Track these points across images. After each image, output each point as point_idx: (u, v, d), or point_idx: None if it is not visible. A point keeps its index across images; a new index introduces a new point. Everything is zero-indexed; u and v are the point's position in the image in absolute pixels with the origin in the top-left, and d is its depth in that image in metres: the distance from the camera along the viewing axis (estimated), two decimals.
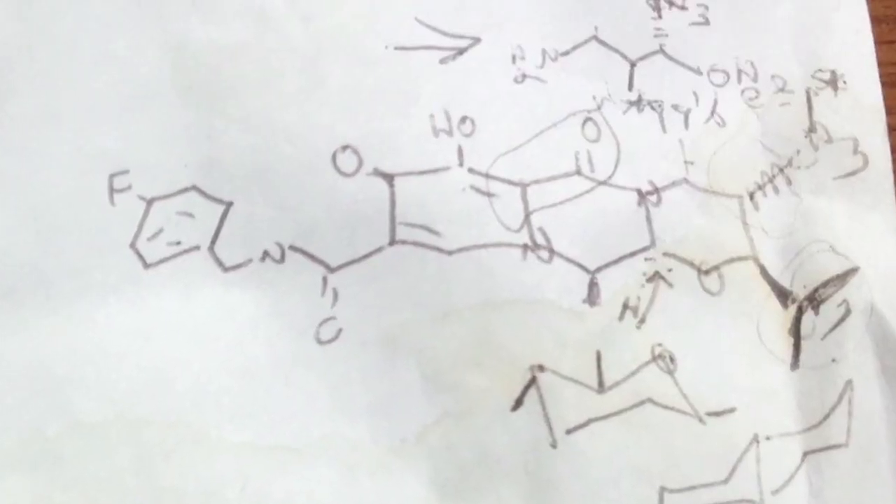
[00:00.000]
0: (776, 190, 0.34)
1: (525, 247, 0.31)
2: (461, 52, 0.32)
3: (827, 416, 0.32)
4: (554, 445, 0.30)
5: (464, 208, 0.30)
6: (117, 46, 0.30)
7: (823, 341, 0.33)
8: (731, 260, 0.33)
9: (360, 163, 0.30)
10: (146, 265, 0.29)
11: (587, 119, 0.32)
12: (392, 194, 0.30)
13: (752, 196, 0.33)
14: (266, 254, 0.30)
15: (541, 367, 0.31)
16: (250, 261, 0.30)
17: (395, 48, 0.32)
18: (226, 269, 0.30)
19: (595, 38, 0.33)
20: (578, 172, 0.32)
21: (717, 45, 0.35)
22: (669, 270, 0.32)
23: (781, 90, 0.35)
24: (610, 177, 0.32)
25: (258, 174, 0.30)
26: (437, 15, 0.32)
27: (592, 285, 0.31)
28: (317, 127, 0.30)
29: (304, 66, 0.31)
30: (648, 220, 0.32)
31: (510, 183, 0.31)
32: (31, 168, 0.29)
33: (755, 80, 0.35)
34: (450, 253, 0.30)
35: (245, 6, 0.31)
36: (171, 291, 0.29)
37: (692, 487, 0.31)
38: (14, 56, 0.30)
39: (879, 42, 0.36)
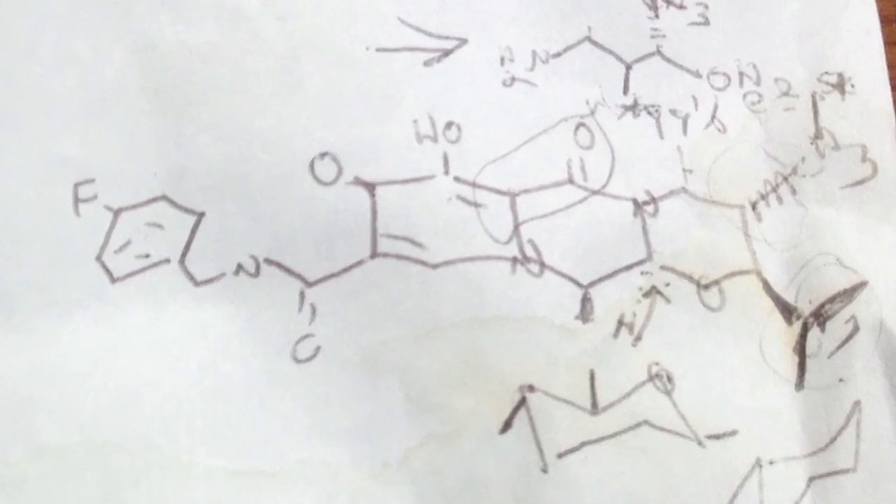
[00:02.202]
0: (780, 200, 0.34)
1: (514, 260, 0.31)
2: (446, 53, 0.32)
3: (834, 440, 0.33)
4: (545, 470, 0.31)
5: (449, 219, 0.31)
6: (80, 47, 0.31)
7: (830, 360, 0.34)
8: (733, 274, 0.33)
9: (340, 171, 0.31)
10: (113, 279, 0.29)
11: (580, 125, 0.33)
12: (373, 204, 0.31)
13: (754, 206, 0.34)
14: (240, 267, 0.30)
15: (531, 388, 0.31)
16: (223, 275, 0.30)
17: (377, 49, 0.32)
18: (197, 284, 0.30)
19: (588, 38, 0.34)
20: (571, 181, 0.32)
21: (718, 47, 0.35)
22: (667, 285, 0.33)
23: (785, 94, 0.35)
24: (604, 186, 0.33)
25: (231, 183, 0.30)
26: (420, 14, 0.33)
27: (585, 301, 0.32)
28: (293, 133, 0.30)
29: (280, 69, 0.31)
30: (645, 231, 0.33)
31: (498, 192, 0.32)
32: None
33: (758, 83, 0.35)
34: (434, 267, 0.31)
35: (217, 5, 0.31)
36: (140, 307, 0.30)
37: None
38: None
39: (889, 43, 0.37)
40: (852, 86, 0.36)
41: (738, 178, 0.34)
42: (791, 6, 0.36)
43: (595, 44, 0.34)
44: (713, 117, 0.35)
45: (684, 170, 0.34)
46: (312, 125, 0.31)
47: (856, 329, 0.34)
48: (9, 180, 0.29)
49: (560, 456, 0.31)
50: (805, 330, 0.33)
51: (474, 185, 0.32)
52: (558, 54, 0.34)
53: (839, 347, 0.34)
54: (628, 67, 0.34)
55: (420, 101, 0.32)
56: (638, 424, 0.32)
